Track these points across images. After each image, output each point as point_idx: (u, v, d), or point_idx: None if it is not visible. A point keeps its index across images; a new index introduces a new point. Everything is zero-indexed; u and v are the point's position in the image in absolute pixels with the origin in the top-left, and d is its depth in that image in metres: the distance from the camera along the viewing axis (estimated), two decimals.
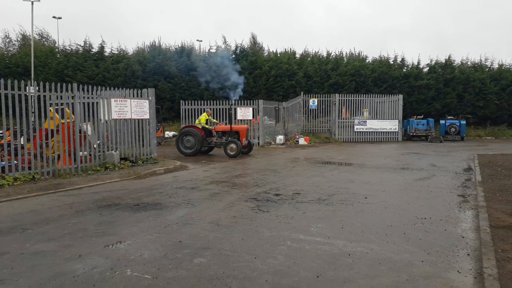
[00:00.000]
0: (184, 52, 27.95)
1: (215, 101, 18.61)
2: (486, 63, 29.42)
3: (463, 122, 24.20)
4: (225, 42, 28.86)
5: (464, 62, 29.38)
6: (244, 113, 18.30)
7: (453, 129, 23.91)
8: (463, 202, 6.53)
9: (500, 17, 70.62)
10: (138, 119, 11.71)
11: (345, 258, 3.96)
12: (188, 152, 14.18)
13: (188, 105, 18.35)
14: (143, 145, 11.88)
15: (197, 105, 18.34)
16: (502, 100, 27.85)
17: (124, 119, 11.25)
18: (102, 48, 28.48)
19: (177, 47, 28.96)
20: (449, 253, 4.07)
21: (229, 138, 14.18)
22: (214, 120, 15.73)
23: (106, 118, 10.85)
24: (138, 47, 30.14)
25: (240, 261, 3.88)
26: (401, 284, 3.35)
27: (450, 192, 7.34)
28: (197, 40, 41.08)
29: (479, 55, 45.54)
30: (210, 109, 16.61)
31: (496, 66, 29.30)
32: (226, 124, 16.32)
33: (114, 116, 10.86)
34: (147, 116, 11.92)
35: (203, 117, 14.90)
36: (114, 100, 10.83)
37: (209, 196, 7.07)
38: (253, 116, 18.55)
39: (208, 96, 25.02)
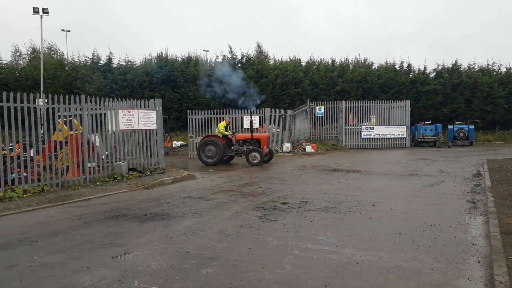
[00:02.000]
0: (191, 62, 28.19)
1: (221, 110, 18.68)
2: (494, 67, 29.28)
3: (472, 127, 23.97)
4: (231, 51, 29.06)
5: (471, 66, 29.26)
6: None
7: (461, 134, 23.69)
8: (473, 208, 6.45)
9: (505, 19, 70.20)
10: (146, 130, 11.79)
11: (353, 266, 3.92)
12: (210, 161, 14.04)
13: (195, 114, 18.46)
14: (150, 155, 11.95)
15: (204, 114, 18.42)
16: (511, 104, 27.58)
17: (131, 129, 11.33)
18: (110, 59, 28.89)
19: (183, 57, 29.25)
20: (459, 261, 4.01)
21: (250, 146, 14.13)
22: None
23: (114, 129, 10.94)
24: (145, 58, 30.54)
25: (248, 271, 3.86)
26: None
27: (459, 198, 7.26)
28: (204, 50, 41.64)
29: (486, 59, 45.34)
30: (229, 117, 16.46)
31: (504, 70, 29.15)
32: (234, 132, 16.19)
33: (122, 127, 10.96)
34: (154, 127, 12.01)
35: (222, 124, 14.77)
36: (122, 111, 10.93)
37: (216, 205, 7.07)
38: (259, 124, 18.58)
39: (215, 105, 25.15)
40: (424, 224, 5.43)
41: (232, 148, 14.47)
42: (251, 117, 15.05)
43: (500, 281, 3.37)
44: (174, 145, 22.17)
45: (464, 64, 29.28)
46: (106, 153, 10.86)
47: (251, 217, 6.10)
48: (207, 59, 30.14)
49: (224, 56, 28.84)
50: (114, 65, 28.81)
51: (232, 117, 18.20)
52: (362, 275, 3.70)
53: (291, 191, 8.28)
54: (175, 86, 26.34)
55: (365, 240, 4.78)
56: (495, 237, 4.66)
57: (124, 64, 28.69)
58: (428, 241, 4.67)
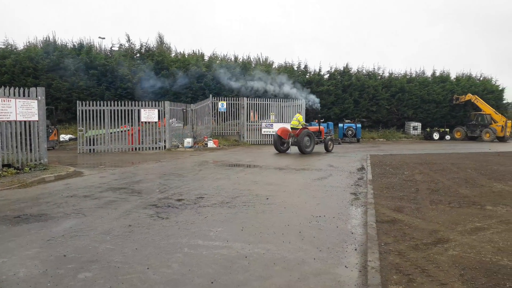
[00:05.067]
0: (83, 49, 25.97)
1: (116, 102, 17.50)
2: (379, 72, 32.58)
3: (359, 125, 26.44)
4: (129, 40, 27.46)
5: (360, 70, 32.12)
6: (149, 114, 17.57)
7: (350, 132, 26.01)
8: (355, 199, 7.01)
9: (392, 28, 78.92)
10: (25, 121, 10.49)
11: (241, 261, 3.93)
12: (308, 150, 15.87)
13: (86, 106, 16.94)
14: (31, 150, 10.67)
15: (97, 105, 17.04)
16: (392, 106, 31.05)
17: (7, 121, 9.98)
18: None
19: (75, 43, 26.83)
20: (339, 249, 4.28)
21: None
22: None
23: None
24: (29, 42, 27.20)
25: (131, 273, 3.62)
26: (293, 283, 3.41)
27: (344, 191, 7.84)
28: (99, 38, 38.31)
29: (373, 64, 50.46)
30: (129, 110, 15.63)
31: (387, 74, 32.60)
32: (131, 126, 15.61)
33: None
34: (35, 118, 10.74)
35: (300, 116, 16.78)
36: None
37: (103, 204, 6.56)
38: (159, 118, 17.92)
39: (109, 96, 23.58)
40: (311, 216, 5.72)
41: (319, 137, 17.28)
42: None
43: (372, 267, 3.67)
44: (62, 139, 20.19)
45: (354, 67, 32.03)
46: None
47: (141, 215, 5.78)
48: (102, 47, 28.07)
49: (121, 44, 27.19)
50: None
51: (128, 110, 17.23)
52: (249, 269, 3.72)
53: (188, 187, 8.09)
54: (65, 74, 23.99)
55: (256, 233, 4.84)
56: (371, 226, 5.10)
57: (3, 47, 25.22)
58: (313, 232, 4.92)
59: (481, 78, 34.75)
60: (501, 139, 28.50)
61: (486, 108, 29.99)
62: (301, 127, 16.20)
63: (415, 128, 31.11)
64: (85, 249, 4.27)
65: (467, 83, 32.95)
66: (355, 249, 4.29)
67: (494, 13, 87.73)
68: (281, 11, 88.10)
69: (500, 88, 34.38)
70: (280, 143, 16.41)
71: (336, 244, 4.45)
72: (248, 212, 5.97)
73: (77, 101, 17.28)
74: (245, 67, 28.07)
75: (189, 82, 25.65)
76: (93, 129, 17.14)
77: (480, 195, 7.27)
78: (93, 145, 17.05)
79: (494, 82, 34.65)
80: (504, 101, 35.28)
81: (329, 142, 17.05)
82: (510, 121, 29.50)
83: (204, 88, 25.95)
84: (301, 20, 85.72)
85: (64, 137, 20.67)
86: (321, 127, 17.70)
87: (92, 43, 27.34)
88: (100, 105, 17.11)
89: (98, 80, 24.68)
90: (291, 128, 16.42)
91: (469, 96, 30.84)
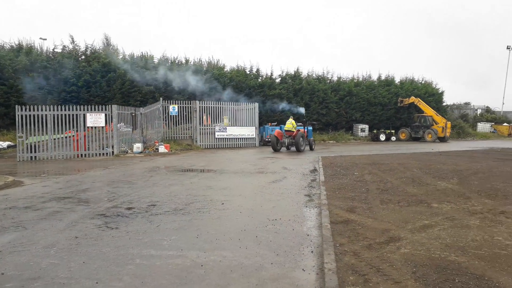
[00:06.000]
0: (23, 50, 24.35)
1: (59, 106, 16.52)
2: (328, 76, 33.47)
3: (310, 128, 26.96)
4: (73, 41, 26.08)
5: (310, 74, 32.83)
6: (96, 119, 16.76)
7: None
8: (309, 201, 7.08)
9: (339, 33, 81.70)
10: None
11: (197, 270, 3.79)
12: (302, 149, 18.93)
13: (26, 110, 15.83)
14: None
15: (38, 110, 15.98)
16: (341, 109, 32.04)
17: None
18: None
19: (13, 44, 25.10)
20: (296, 252, 4.27)
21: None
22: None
23: None
24: None
25: None
26: None
27: (298, 193, 7.91)
28: (40, 38, 35.96)
29: (322, 68, 51.76)
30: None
31: (335, 78, 33.59)
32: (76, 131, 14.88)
33: None
34: None
35: (293, 121, 19.65)
36: None
37: (46, 215, 6.11)
38: (106, 123, 17.16)
39: (52, 100, 22.28)
40: (267, 219, 5.68)
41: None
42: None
43: (329, 268, 3.68)
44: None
45: (304, 71, 32.71)
46: None
47: (89, 226, 5.44)
48: (44, 49, 26.45)
49: (64, 46, 25.77)
50: None
51: (73, 115, 16.34)
52: (206, 278, 3.59)
53: (139, 195, 7.77)
54: (2, 77, 22.32)
55: (212, 240, 4.72)
56: (325, 227, 5.15)
57: None
58: (269, 236, 4.88)
59: (423, 82, 36.88)
60: (442, 139, 30.36)
61: (428, 110, 31.83)
62: (295, 130, 19.23)
63: (363, 130, 32.32)
64: (26, 265, 3.93)
65: (410, 87, 34.78)
66: (312, 251, 4.29)
67: (435, 20, 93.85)
68: (232, 14, 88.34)
69: (440, 91, 36.64)
70: (276, 143, 19.13)
71: (292, 247, 4.43)
72: (203, 219, 5.82)
73: (16, 106, 16.11)
74: (196, 69, 27.72)
75: (138, 84, 24.86)
76: (34, 135, 16.06)
77: (426, 193, 7.63)
78: (35, 152, 15.98)
79: (434, 86, 36.90)
80: (444, 103, 37.69)
81: (301, 142, 19.11)
82: (450, 122, 31.59)
83: (154, 91, 25.26)
84: (251, 22, 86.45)
85: (1, 144, 19.18)
86: (303, 129, 20.63)
87: (32, 44, 25.73)
88: (42, 110, 16.07)
89: (40, 83, 23.22)
90: (286, 130, 19.47)
91: (412, 99, 32.58)
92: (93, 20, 71.44)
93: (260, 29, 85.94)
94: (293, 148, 20.08)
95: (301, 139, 18.76)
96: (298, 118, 29.54)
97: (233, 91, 27.25)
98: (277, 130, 19.90)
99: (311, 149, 20.37)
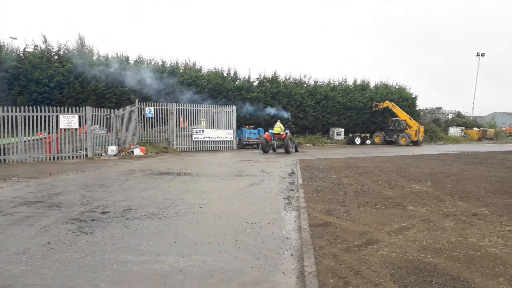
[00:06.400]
0: None
1: (32, 108, 15.99)
2: (305, 79, 33.83)
3: (287, 131, 27.13)
4: (45, 41, 25.32)
5: (287, 78, 33.08)
6: (69, 121, 16.31)
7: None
8: (288, 204, 7.09)
9: (316, 38, 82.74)
10: None
11: (176, 275, 3.72)
12: (290, 150, 20.25)
13: None
14: None
15: (8, 111, 15.40)
16: (317, 112, 32.40)
17: None
18: None
19: None
20: (276, 256, 4.25)
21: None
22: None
23: None
24: None
25: None
26: None
27: (276, 196, 7.91)
28: (11, 38, 34.66)
29: (299, 72, 52.27)
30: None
31: (312, 82, 33.97)
32: (48, 133, 14.41)
33: None
34: None
35: (281, 125, 20.96)
36: None
37: (17, 220, 5.87)
38: (79, 125, 16.72)
39: (23, 101, 21.57)
40: (247, 223, 5.65)
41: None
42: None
43: (309, 272, 3.68)
44: None
45: (282, 75, 32.91)
46: None
47: (62, 231, 5.26)
48: (14, 48, 25.58)
49: (36, 46, 24.99)
50: None
51: (45, 116, 15.84)
52: (185, 283, 3.53)
53: (114, 199, 7.58)
54: None
55: (190, 245, 4.64)
56: (305, 230, 5.16)
57: None
58: (249, 239, 4.84)
59: (397, 87, 37.79)
60: (415, 143, 31.14)
61: (402, 115, 32.60)
62: (283, 133, 20.60)
63: (338, 134, 32.78)
64: None
65: (384, 91, 35.57)
66: (292, 255, 4.29)
67: (409, 26, 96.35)
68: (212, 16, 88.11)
69: (413, 96, 37.63)
70: (266, 145, 20.31)
71: (272, 251, 4.41)
72: (181, 223, 5.73)
73: None
74: (173, 71, 27.43)
75: (113, 86, 24.38)
76: (3, 137, 15.47)
77: (402, 196, 7.78)
78: (4, 155, 15.39)
79: (408, 91, 37.89)
80: (417, 108, 38.71)
81: (290, 144, 20.29)
82: (423, 127, 32.45)
83: (130, 92, 24.83)
84: (229, 25, 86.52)
85: None
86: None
87: (2, 44, 24.85)
88: (11, 111, 15.50)
89: (10, 84, 22.45)
90: (274, 133, 20.69)
91: (386, 103, 33.30)
92: (68, 19, 69.72)
93: (237, 32, 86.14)
94: (280, 150, 21.16)
95: (289, 141, 20.01)
96: (275, 121, 29.72)
97: (209, 95, 27.12)
98: (266, 133, 21.05)
99: (296, 150, 21.64)
